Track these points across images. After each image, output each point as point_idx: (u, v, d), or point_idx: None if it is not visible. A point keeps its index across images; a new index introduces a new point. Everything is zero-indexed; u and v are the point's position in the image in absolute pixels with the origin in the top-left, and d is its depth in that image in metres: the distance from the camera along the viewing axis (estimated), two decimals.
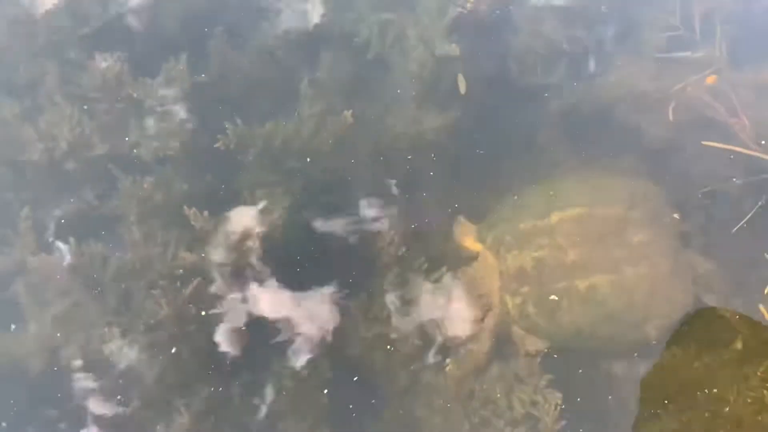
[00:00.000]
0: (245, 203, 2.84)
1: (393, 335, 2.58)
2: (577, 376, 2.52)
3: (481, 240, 2.67)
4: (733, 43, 2.99)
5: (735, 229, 2.63)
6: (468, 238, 2.71)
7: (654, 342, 2.47)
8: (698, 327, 2.49)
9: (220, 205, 2.84)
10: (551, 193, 2.65)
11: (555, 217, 2.54)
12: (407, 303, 2.63)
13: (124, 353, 2.62)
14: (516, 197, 2.73)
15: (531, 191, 2.73)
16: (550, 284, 2.47)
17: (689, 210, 2.67)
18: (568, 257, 2.47)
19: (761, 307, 2.47)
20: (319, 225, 2.81)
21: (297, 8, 3.30)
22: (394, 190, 2.87)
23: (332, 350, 2.59)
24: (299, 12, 3.29)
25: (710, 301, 2.51)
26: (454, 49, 3.05)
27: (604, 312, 2.43)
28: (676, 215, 2.61)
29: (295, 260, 2.74)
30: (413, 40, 3.10)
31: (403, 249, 2.71)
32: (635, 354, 2.50)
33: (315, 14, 3.26)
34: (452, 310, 2.62)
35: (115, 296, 2.71)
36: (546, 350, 2.51)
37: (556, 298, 2.45)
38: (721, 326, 2.48)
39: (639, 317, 2.44)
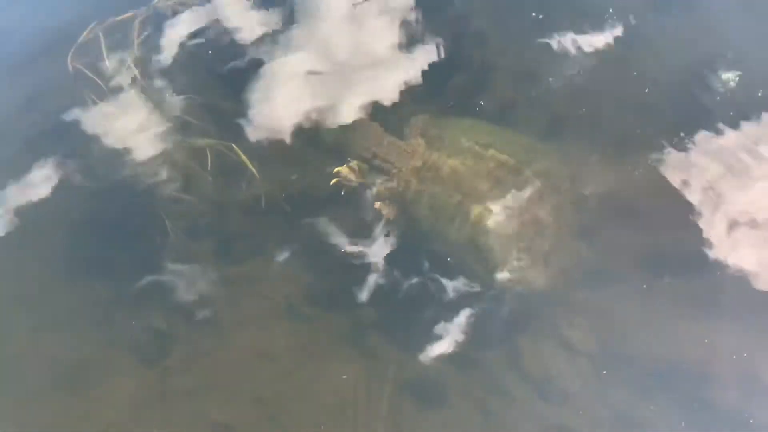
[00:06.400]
0: None
1: None
2: None
3: (424, 129, 2.98)
4: None
5: None
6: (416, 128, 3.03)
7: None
8: None
9: None
10: (503, 138, 2.92)
11: (491, 152, 2.81)
12: None
13: None
14: (475, 121, 3.03)
15: (490, 126, 3.00)
16: (450, 192, 2.79)
17: None
18: (480, 184, 2.77)
19: None
20: None
21: None
22: None
23: None
24: None
25: None
26: None
27: (470, 238, 2.74)
28: None
29: None
30: None
31: None
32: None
33: None
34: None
35: None
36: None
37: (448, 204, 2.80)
38: None
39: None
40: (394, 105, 3.12)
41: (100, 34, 3.30)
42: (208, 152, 3.00)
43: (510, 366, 2.65)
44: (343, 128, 3.04)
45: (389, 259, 2.83)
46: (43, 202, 3.10)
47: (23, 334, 2.89)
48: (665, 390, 2.58)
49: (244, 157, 2.95)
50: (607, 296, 2.73)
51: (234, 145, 2.99)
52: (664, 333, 2.67)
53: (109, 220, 3.06)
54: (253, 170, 2.94)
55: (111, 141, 3.16)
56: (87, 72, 3.24)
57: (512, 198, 2.76)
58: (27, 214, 3.09)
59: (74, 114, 3.23)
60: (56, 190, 3.12)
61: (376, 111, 3.09)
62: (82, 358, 2.83)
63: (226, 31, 3.36)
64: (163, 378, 2.79)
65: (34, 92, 3.32)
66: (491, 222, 2.73)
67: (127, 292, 2.91)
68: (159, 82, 3.25)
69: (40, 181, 3.13)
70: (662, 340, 2.65)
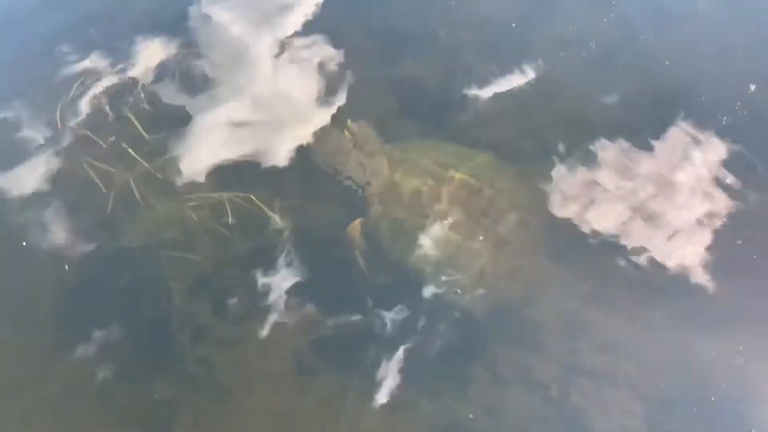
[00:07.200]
0: None
1: None
2: None
3: (388, 153, 3.04)
4: None
5: None
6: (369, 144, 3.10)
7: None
8: None
9: None
10: (466, 157, 3.01)
11: (453, 174, 2.89)
12: None
13: None
14: (437, 141, 3.14)
15: (451, 146, 3.10)
16: (413, 214, 2.85)
17: None
18: (440, 205, 2.84)
19: None
20: None
21: None
22: None
23: None
24: None
25: None
26: None
27: (433, 261, 2.80)
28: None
29: None
30: None
31: None
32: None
33: None
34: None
35: None
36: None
37: (409, 227, 2.86)
38: None
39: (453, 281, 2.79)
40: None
41: (102, 95, 3.21)
42: (227, 206, 2.92)
43: (532, 399, 2.61)
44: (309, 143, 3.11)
45: (376, 296, 2.81)
46: (30, 269, 2.87)
47: (12, 421, 2.57)
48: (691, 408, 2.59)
49: (265, 208, 2.89)
50: (592, 313, 2.74)
51: (252, 197, 2.93)
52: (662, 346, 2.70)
53: (105, 288, 2.86)
54: (277, 219, 2.88)
55: (110, 202, 3.02)
56: (82, 130, 3.12)
57: (473, 217, 2.83)
58: (10, 282, 2.83)
59: (68, 173, 3.07)
60: (43, 255, 2.90)
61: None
62: None
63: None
64: None
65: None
66: (455, 242, 2.79)
67: (126, 364, 2.70)
68: (158, 138, 3.18)
69: (29, 242, 2.92)
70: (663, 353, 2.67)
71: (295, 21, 3.52)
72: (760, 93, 3.23)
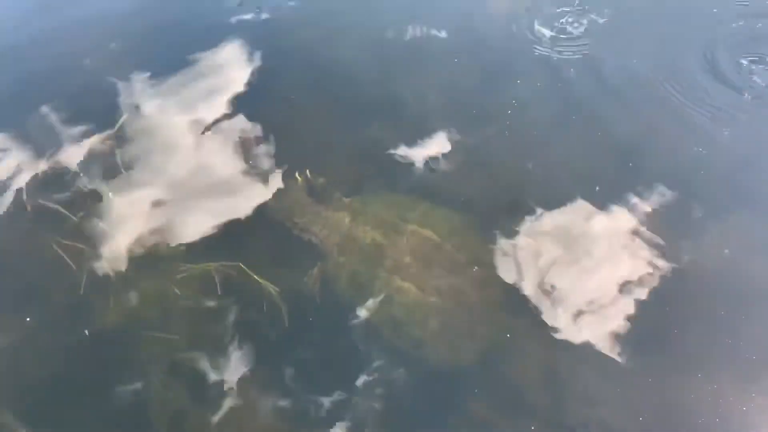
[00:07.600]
0: None
1: None
2: None
3: (349, 205, 3.06)
4: None
5: None
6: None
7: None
8: None
9: None
10: (427, 211, 3.03)
11: (412, 227, 2.90)
12: None
13: None
14: (397, 196, 3.16)
15: (411, 200, 3.10)
16: (373, 265, 2.84)
17: None
18: (402, 259, 2.84)
19: None
20: None
21: None
22: None
23: None
24: None
25: None
26: None
27: (390, 312, 2.75)
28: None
29: None
30: None
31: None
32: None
33: None
34: None
35: None
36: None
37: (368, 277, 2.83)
38: None
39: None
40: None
41: (78, 169, 3.02)
42: (215, 276, 2.76)
43: None
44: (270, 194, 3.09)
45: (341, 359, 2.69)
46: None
47: None
48: None
49: (256, 277, 2.76)
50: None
51: (241, 264, 2.80)
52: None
53: (82, 368, 2.64)
54: (271, 287, 2.74)
55: (83, 281, 2.81)
56: (52, 205, 2.93)
57: (433, 271, 2.82)
58: None
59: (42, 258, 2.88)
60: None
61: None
62: None
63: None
64: None
65: None
66: (414, 296, 2.76)
67: None
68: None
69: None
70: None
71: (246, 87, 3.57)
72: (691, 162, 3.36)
